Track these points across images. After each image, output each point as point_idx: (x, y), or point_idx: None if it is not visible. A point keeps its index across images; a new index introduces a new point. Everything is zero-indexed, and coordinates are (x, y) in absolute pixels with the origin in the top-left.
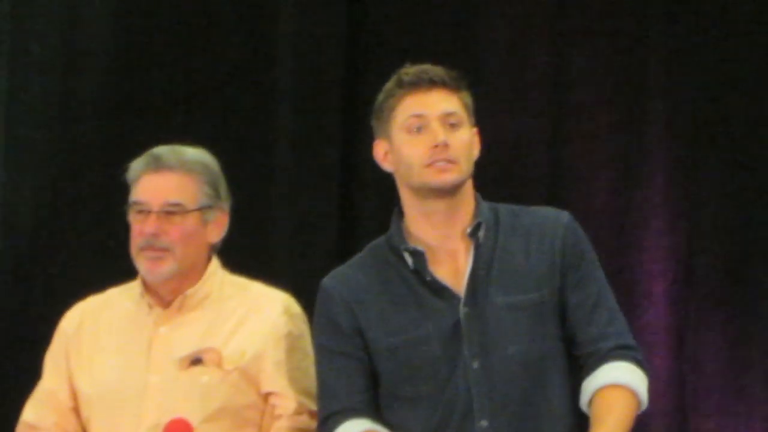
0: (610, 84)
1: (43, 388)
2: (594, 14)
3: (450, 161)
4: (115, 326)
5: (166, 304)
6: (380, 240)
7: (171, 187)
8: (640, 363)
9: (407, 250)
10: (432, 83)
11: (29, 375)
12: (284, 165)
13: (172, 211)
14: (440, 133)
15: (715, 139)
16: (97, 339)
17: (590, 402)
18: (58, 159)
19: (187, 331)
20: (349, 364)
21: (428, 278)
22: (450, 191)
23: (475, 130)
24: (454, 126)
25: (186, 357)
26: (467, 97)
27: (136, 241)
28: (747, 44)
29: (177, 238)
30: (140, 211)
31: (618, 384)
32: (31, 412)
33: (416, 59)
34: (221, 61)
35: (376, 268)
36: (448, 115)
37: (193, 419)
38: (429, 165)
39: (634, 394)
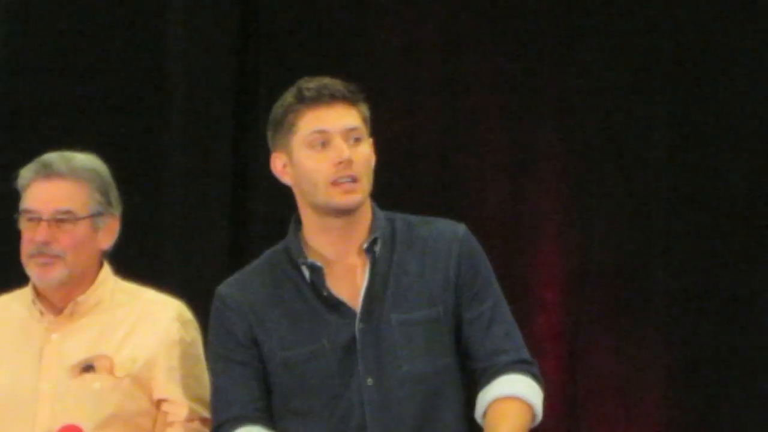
0: (501, 90)
1: None
2: (486, 20)
3: (354, 179)
4: (6, 333)
5: (57, 311)
6: (278, 248)
7: (61, 194)
8: (536, 377)
9: (305, 263)
10: (333, 98)
11: None
12: (175, 171)
13: (62, 218)
14: (344, 150)
15: (607, 145)
16: None
17: (485, 413)
18: None
19: (78, 338)
20: (244, 372)
21: (325, 293)
22: (352, 210)
23: (371, 141)
24: (357, 141)
25: (77, 364)
26: (366, 110)
27: (26, 249)
28: (639, 51)
29: (68, 245)
30: (31, 219)
31: (513, 396)
32: None
33: (308, 64)
34: (112, 67)
35: (272, 278)
36: (351, 130)
37: (86, 426)
38: (334, 183)
39: (528, 406)
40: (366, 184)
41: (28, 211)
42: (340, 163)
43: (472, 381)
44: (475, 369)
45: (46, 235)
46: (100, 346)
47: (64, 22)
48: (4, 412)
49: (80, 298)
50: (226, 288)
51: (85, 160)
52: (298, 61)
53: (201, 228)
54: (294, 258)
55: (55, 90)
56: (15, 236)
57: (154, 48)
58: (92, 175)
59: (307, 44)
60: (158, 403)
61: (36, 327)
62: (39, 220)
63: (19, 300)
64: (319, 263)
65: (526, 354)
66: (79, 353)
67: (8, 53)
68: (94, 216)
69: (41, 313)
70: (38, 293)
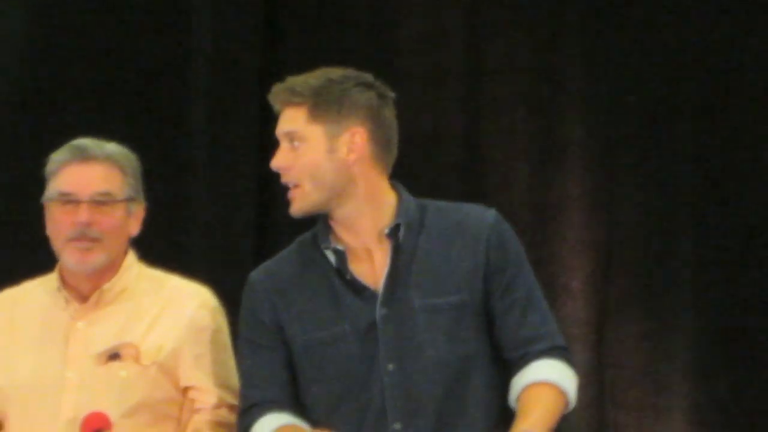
0: (526, 76)
1: None
2: (510, 6)
3: (293, 186)
4: (31, 320)
5: (83, 298)
6: (308, 235)
7: (99, 177)
8: (570, 363)
9: (329, 248)
10: (281, 102)
11: None
12: (201, 158)
13: (101, 201)
14: (275, 158)
15: (633, 131)
16: (12, 333)
17: (518, 398)
18: None
19: (104, 326)
20: (271, 357)
21: (348, 277)
22: (300, 215)
23: (353, 129)
24: (295, 144)
25: (104, 352)
26: (319, 107)
27: (64, 232)
28: (663, 35)
29: (108, 228)
30: (68, 202)
31: (546, 381)
32: None
33: (333, 51)
34: (136, 54)
35: (300, 263)
36: (287, 133)
37: (112, 414)
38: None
39: (561, 391)
40: (308, 188)
41: (65, 194)
42: (278, 169)
43: (507, 369)
44: (509, 358)
45: (88, 216)
46: (126, 334)
47: (87, 6)
48: (29, 400)
49: (106, 286)
50: (255, 273)
51: (116, 146)
52: (324, 47)
53: (227, 215)
54: (320, 244)
55: (79, 79)
56: (38, 223)
57: (179, 36)
58: (126, 160)
59: (333, 31)
60: (185, 390)
61: (61, 315)
62: (78, 202)
63: (43, 287)
64: (341, 247)
65: (560, 340)
66: (105, 341)
67: (32, 38)
68: (128, 200)
69: (66, 301)
70: (63, 280)
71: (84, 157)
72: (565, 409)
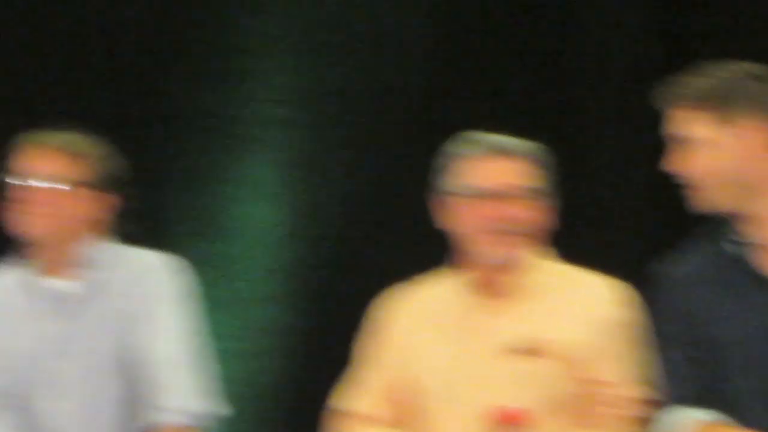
0: None
1: (370, 378)
2: None
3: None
4: (442, 313)
5: (491, 292)
6: (711, 227)
7: (519, 172)
8: None
9: (736, 242)
10: (680, 96)
11: (342, 361)
12: (603, 153)
13: (522, 195)
14: (673, 160)
15: None
16: (424, 326)
17: None
18: (375, 144)
19: (516, 320)
20: (685, 351)
21: (757, 272)
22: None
23: (751, 127)
24: (691, 151)
25: (518, 346)
26: (711, 112)
27: (484, 226)
28: None
29: (531, 221)
30: (490, 196)
31: None
32: (359, 401)
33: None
34: (530, 47)
35: (707, 258)
36: (682, 138)
37: (533, 411)
38: None
39: None
40: (710, 191)
41: (484, 189)
42: (675, 173)
43: None
44: None
45: (515, 211)
46: (539, 328)
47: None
48: (449, 395)
49: (517, 279)
50: (666, 267)
51: (516, 140)
52: (725, 39)
53: (635, 211)
54: (726, 235)
55: (476, 72)
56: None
57: (575, 32)
58: (536, 153)
59: (738, 21)
60: (598, 385)
61: (471, 309)
62: (499, 196)
63: (447, 281)
64: (749, 240)
65: None
66: (519, 335)
67: (433, 34)
68: (540, 194)
69: (474, 295)
70: (478, 274)
71: (502, 152)
72: None
